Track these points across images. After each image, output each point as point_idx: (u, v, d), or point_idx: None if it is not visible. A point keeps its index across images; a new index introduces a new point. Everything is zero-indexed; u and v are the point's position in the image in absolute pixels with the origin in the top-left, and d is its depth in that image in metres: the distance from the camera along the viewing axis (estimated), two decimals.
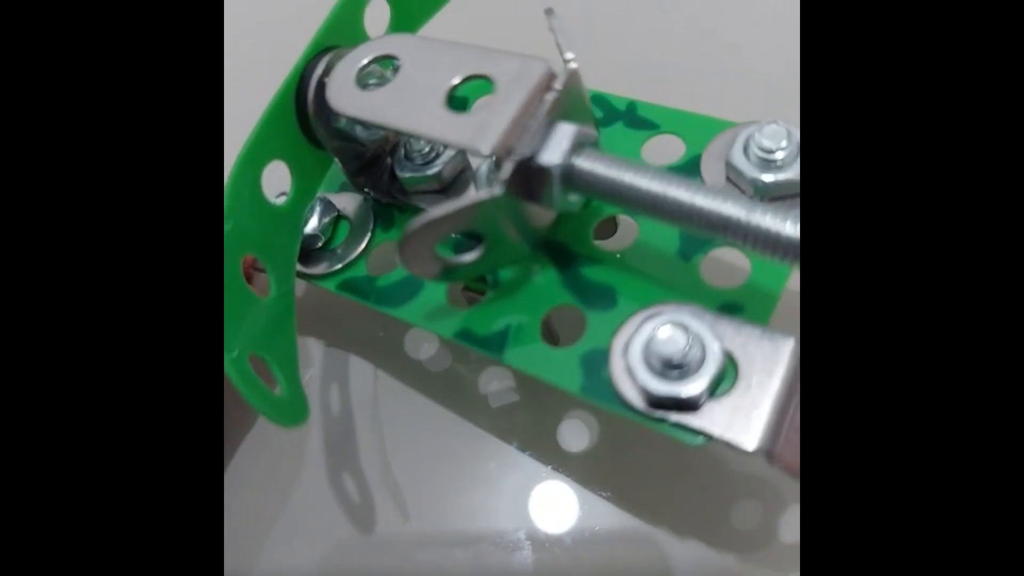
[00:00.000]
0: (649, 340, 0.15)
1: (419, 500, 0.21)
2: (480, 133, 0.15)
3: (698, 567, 0.19)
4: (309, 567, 0.21)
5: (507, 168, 0.15)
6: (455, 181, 0.19)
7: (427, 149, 0.19)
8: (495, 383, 0.22)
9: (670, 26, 0.28)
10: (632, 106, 0.19)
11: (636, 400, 0.16)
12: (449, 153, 0.19)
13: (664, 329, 0.15)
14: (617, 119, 0.19)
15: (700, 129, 0.18)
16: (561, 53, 0.16)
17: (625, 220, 0.19)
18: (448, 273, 0.17)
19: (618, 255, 0.18)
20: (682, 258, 0.17)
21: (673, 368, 0.15)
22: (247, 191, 0.17)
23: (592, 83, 0.18)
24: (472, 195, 0.15)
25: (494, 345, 0.17)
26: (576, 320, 0.17)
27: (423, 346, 0.23)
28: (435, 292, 0.18)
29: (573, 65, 0.16)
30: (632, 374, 0.15)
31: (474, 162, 0.19)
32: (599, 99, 0.20)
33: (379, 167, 0.20)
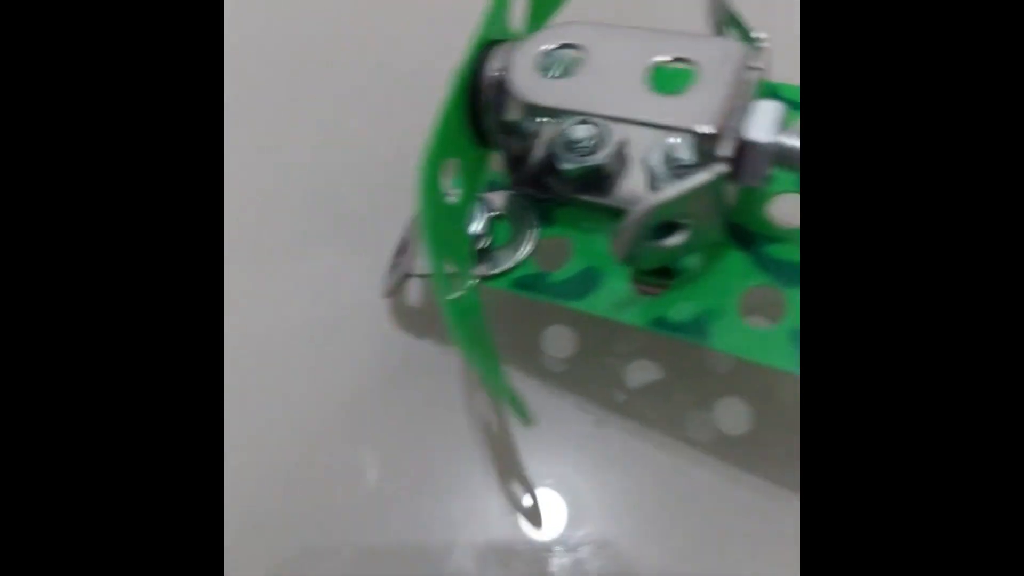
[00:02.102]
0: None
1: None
2: (699, 114, 0.15)
3: None
4: None
5: (728, 146, 0.15)
6: (611, 171, 0.19)
7: (592, 140, 0.18)
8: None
9: None
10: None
11: None
12: (612, 143, 0.18)
13: None
14: None
15: None
16: (749, 35, 0.16)
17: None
18: (644, 258, 0.17)
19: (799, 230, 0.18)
20: None
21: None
22: (434, 193, 0.17)
23: None
24: (698, 177, 0.15)
25: (693, 331, 0.17)
26: (768, 298, 0.17)
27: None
28: (618, 284, 0.18)
29: (767, 44, 0.16)
30: None
31: (635, 152, 0.19)
32: None
33: (524, 163, 0.19)
